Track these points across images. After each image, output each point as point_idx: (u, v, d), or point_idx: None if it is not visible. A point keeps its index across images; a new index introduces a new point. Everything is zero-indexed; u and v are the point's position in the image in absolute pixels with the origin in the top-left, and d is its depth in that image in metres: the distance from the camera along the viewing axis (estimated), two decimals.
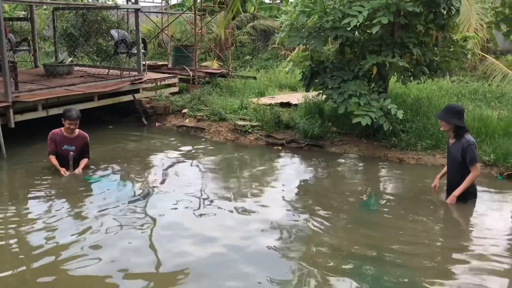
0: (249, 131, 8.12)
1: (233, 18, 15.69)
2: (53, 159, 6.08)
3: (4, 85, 6.98)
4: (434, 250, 4.38)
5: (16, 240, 4.45)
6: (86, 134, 6.28)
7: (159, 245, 4.36)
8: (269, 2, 20.71)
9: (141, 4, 9.48)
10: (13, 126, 7.10)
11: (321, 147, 7.53)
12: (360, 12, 6.61)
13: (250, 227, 4.75)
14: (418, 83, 8.75)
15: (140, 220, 4.86)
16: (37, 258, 4.09)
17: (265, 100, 9.50)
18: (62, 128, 6.16)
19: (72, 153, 6.01)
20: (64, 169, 5.98)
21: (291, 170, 6.85)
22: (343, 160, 7.08)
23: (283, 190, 5.86)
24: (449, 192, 5.35)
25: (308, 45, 7.48)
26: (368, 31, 7.48)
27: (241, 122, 8.34)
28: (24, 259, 4.10)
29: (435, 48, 7.76)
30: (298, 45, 7.51)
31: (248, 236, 4.54)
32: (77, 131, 6.20)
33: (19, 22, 12.66)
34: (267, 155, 7.43)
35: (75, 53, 12.40)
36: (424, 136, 7.21)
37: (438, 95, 9.50)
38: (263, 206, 5.34)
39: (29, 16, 10.71)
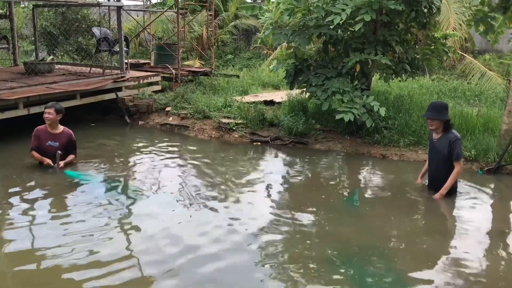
0: (234, 128, 8.13)
1: (215, 17, 15.68)
2: (35, 154, 6.04)
3: None
4: (417, 244, 4.45)
5: None
6: (71, 131, 6.22)
7: (138, 246, 4.25)
8: (250, 1, 20.76)
9: (123, 2, 9.37)
10: None
11: (305, 144, 7.58)
12: (343, 10, 6.68)
13: (234, 224, 4.72)
14: (400, 81, 8.88)
15: (119, 220, 4.78)
16: (14, 261, 4.02)
17: (248, 98, 9.53)
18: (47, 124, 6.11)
19: (59, 152, 5.95)
20: (48, 160, 5.94)
21: (276, 167, 6.88)
22: (327, 157, 7.15)
23: (268, 187, 5.88)
24: (432, 186, 5.46)
25: (292, 43, 7.53)
26: (350, 29, 7.56)
27: (225, 120, 8.35)
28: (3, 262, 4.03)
29: (417, 46, 7.89)
30: (282, 43, 7.55)
31: (232, 234, 4.50)
32: (61, 127, 6.15)
33: None
34: (252, 152, 7.45)
35: (54, 51, 12.24)
36: (406, 132, 7.33)
37: (419, 93, 9.66)
38: (248, 203, 5.35)
39: (7, 13, 10.48)
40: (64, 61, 11.55)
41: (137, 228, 4.64)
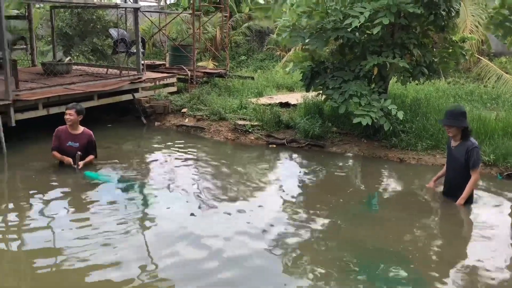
0: (250, 130, 8.15)
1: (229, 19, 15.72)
2: (56, 153, 6.13)
3: (5, 83, 6.94)
4: (434, 250, 4.44)
5: (15, 240, 4.45)
6: (91, 132, 6.29)
7: (154, 247, 4.30)
8: (263, 3, 20.77)
9: (140, 4, 9.44)
10: (13, 124, 7.06)
11: (322, 147, 7.58)
12: (361, 13, 6.67)
13: (250, 227, 4.72)
14: (417, 84, 8.84)
15: (136, 220, 4.83)
16: (33, 261, 4.09)
17: (264, 100, 9.54)
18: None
19: (79, 153, 6.02)
20: (69, 158, 6.02)
21: (292, 170, 6.90)
22: (343, 160, 7.14)
23: (283, 190, 5.89)
24: (448, 193, 5.40)
25: (308, 46, 7.53)
26: (368, 31, 7.54)
27: (241, 122, 8.37)
28: (22, 261, 4.09)
29: (434, 49, 7.85)
30: (299, 45, 7.56)
31: (249, 237, 4.51)
32: (81, 128, 6.23)
33: (12, 21, 12.57)
34: (268, 154, 7.47)
35: (70, 52, 12.36)
36: (424, 136, 7.29)
37: (436, 96, 9.61)
38: (264, 206, 5.35)
39: (26, 14, 10.60)
40: (79, 61, 11.66)
41: (153, 229, 4.70)
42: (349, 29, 6.93)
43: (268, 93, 10.63)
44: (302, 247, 4.40)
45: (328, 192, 5.92)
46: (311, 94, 8.48)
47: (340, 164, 6.98)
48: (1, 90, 6.96)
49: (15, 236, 4.55)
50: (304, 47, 7.94)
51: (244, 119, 8.51)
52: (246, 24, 17.87)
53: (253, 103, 9.10)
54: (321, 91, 7.82)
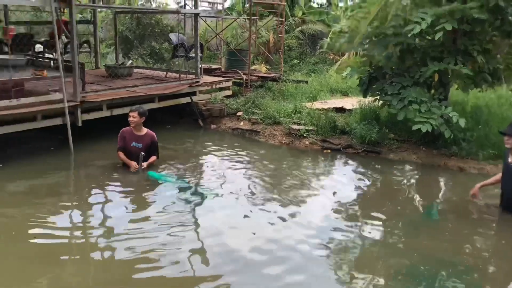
0: (304, 135, 8.18)
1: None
2: (121, 154, 6.39)
3: (73, 85, 7.32)
4: (495, 263, 4.33)
5: (80, 237, 4.68)
6: (154, 134, 6.53)
7: (212, 250, 4.39)
8: (317, 6, 20.73)
9: (200, 9, 9.68)
10: (80, 124, 7.43)
11: (378, 154, 7.50)
12: (423, 19, 6.56)
13: (304, 233, 4.74)
14: (479, 91, 8.56)
15: (193, 221, 5.00)
16: (92, 253, 4.31)
17: (318, 104, 9.54)
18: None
19: (143, 153, 6.26)
20: (134, 162, 6.26)
21: (348, 176, 6.86)
22: (401, 167, 7.04)
23: (339, 196, 5.88)
24: (507, 208, 5.17)
25: (367, 51, 7.49)
26: (428, 37, 7.40)
27: (296, 126, 8.42)
28: (85, 258, 4.29)
29: (498, 56, 7.59)
30: (356, 50, 7.53)
31: (303, 244, 4.52)
32: (145, 129, 6.48)
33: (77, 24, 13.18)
34: (323, 160, 7.47)
35: (129, 55, 12.84)
36: (486, 145, 7.07)
37: (498, 104, 9.26)
38: (319, 211, 5.36)
39: (91, 19, 11.13)
40: (137, 64, 12.09)
41: (209, 230, 4.80)
42: (409, 35, 6.83)
43: (322, 98, 10.61)
44: (361, 255, 4.39)
45: (386, 199, 5.86)
46: (368, 99, 8.41)
47: (398, 171, 6.89)
48: (69, 92, 7.35)
49: (79, 233, 4.79)
50: (361, 52, 7.90)
51: (298, 124, 8.56)
52: (299, 28, 17.91)
53: (307, 108, 9.13)
54: (378, 97, 7.74)
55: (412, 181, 6.72)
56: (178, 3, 25.94)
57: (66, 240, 4.52)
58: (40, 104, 6.99)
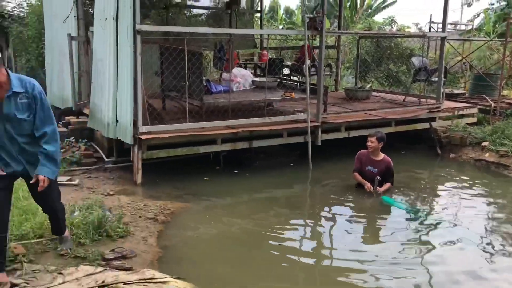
0: None
1: None
2: (357, 175, 6.52)
3: (317, 107, 7.81)
4: None
5: (306, 253, 4.92)
6: (390, 160, 6.48)
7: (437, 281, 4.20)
8: None
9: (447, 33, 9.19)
10: (319, 143, 7.86)
11: None
12: None
13: None
14: None
15: (420, 251, 4.86)
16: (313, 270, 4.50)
17: None
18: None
19: (379, 177, 6.28)
20: (369, 184, 6.30)
21: None
22: None
23: None
24: None
25: None
26: None
27: None
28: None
29: None
30: None
31: None
32: (382, 155, 6.49)
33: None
34: None
35: (366, 77, 13.05)
36: None
37: None
38: None
39: (335, 44, 11.73)
40: (373, 86, 12.16)
41: (436, 263, 4.58)
42: None
43: None
44: None
45: None
46: None
47: None
48: (312, 112, 7.86)
49: (308, 245, 5.11)
50: None
51: None
52: None
53: None
54: None
55: None
56: (416, 25, 25.26)
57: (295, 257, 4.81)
58: (287, 123, 7.67)
